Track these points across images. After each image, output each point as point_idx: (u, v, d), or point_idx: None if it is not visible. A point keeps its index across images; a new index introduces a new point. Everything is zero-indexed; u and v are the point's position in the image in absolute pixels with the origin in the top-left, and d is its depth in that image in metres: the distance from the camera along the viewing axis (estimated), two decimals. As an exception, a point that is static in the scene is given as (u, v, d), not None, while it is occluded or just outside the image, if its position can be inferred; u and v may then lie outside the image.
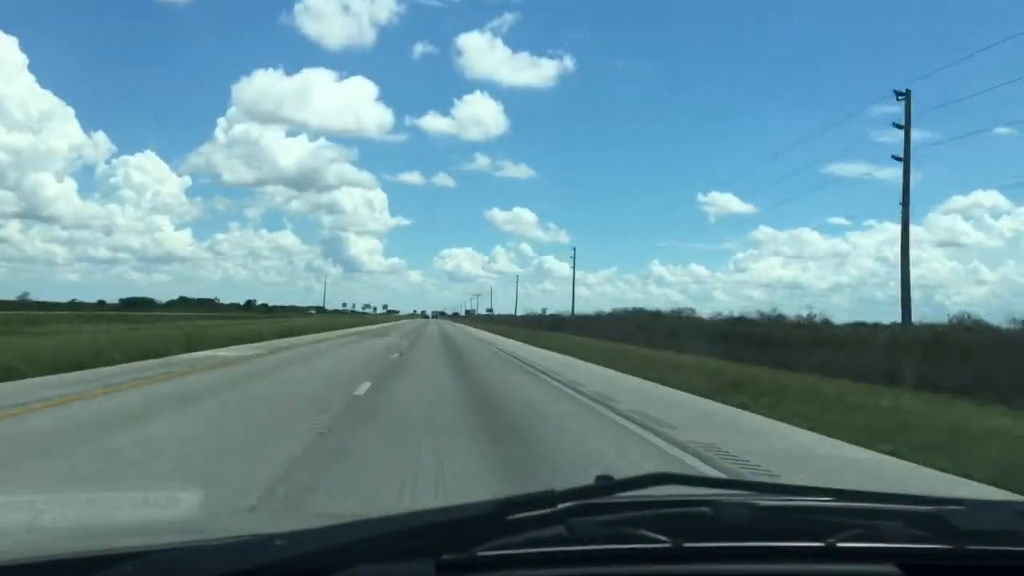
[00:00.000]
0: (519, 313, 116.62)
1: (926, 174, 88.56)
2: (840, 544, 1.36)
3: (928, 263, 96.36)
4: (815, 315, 33.94)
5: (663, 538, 1.32)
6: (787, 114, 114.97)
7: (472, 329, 74.12)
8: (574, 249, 72.55)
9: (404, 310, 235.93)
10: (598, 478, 1.42)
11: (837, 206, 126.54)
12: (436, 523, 1.27)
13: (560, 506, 1.30)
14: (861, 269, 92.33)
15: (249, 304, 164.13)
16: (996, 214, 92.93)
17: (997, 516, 1.48)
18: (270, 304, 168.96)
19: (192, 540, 1.41)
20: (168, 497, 5.41)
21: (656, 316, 54.95)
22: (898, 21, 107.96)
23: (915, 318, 23.49)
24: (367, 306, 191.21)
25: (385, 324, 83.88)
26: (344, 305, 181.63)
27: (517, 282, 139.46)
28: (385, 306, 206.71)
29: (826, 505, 1.47)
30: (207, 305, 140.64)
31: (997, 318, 23.24)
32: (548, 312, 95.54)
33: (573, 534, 1.30)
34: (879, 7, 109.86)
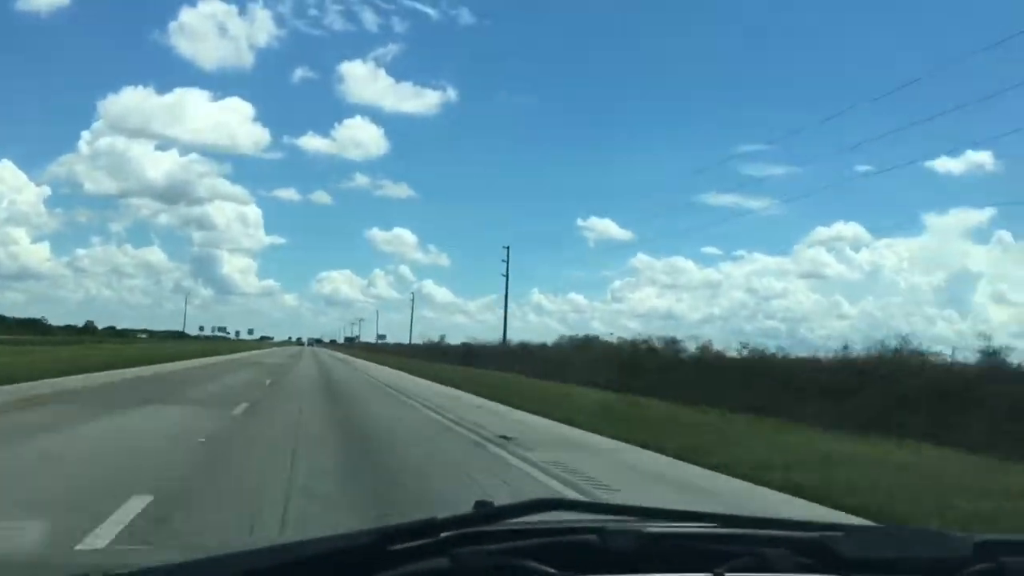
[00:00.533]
0: (414, 341, 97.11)
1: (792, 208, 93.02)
2: (728, 572, 1.35)
3: (793, 295, 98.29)
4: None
5: (551, 570, 1.29)
6: (664, 143, 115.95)
7: (370, 365, 52.34)
8: (507, 248, 53.36)
9: (279, 336, 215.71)
10: (477, 504, 1.39)
11: (710, 236, 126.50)
12: (311, 556, 1.20)
13: (443, 535, 1.26)
14: (732, 300, 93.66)
15: (88, 326, 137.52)
16: (856, 246, 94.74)
17: (878, 543, 1.47)
18: (120, 327, 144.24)
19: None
20: (12, 528, 4.82)
21: (643, 351, 37.18)
22: (772, 58, 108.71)
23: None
24: (222, 329, 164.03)
25: (243, 354, 62.67)
26: (201, 329, 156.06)
27: (413, 305, 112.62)
28: (251, 330, 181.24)
29: (712, 532, 1.46)
30: (29, 327, 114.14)
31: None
32: (446, 340, 78.72)
33: (458, 565, 1.25)
34: (752, 43, 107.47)
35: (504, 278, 50.61)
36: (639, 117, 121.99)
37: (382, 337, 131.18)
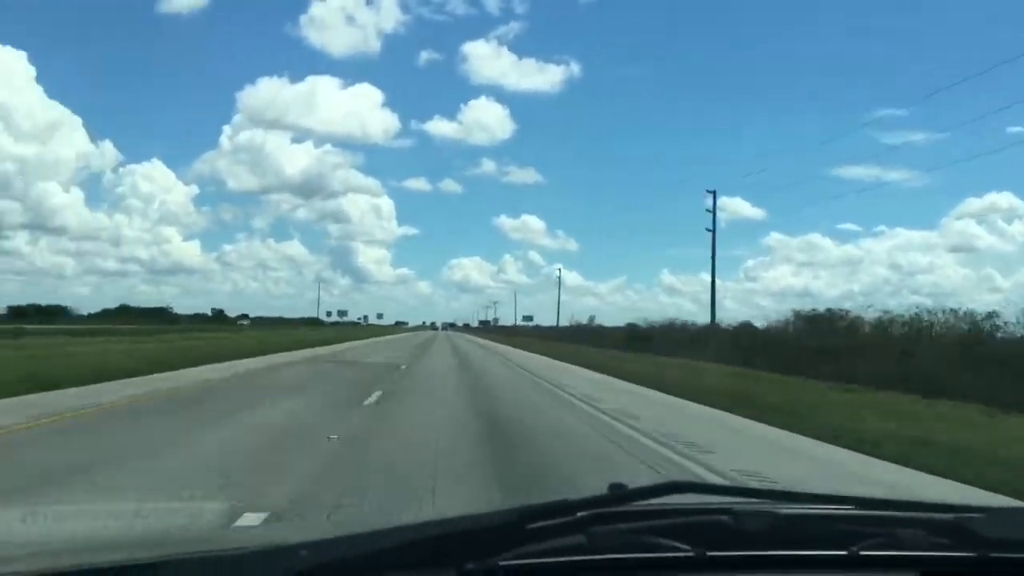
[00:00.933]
0: (560, 323, 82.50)
1: (936, 178, 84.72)
2: (863, 552, 1.33)
3: (941, 269, 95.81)
4: None
5: (685, 546, 1.30)
6: (796, 115, 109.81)
7: (549, 362, 31.21)
8: (713, 193, 37.73)
9: (413, 321, 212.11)
10: (611, 486, 1.37)
11: (847, 211, 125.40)
12: (456, 532, 1.26)
13: (579, 515, 1.28)
14: (873, 276, 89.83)
15: (216, 315, 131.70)
16: (1010, 217, 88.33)
17: (1020, 524, 1.42)
18: (252, 315, 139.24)
19: (214, 550, 1.40)
20: (192, 508, 5.27)
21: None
22: (902, 24, 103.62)
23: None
24: (343, 313, 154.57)
25: (355, 343, 49.31)
26: (328, 314, 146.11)
27: (559, 284, 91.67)
28: (380, 315, 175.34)
29: (846, 513, 1.44)
30: (155, 316, 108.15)
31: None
32: (595, 320, 68.65)
33: (594, 543, 1.27)
34: (885, 11, 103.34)
35: (710, 232, 34.97)
36: (766, 86, 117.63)
37: (528, 318, 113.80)
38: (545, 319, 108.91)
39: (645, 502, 1.34)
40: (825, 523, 1.39)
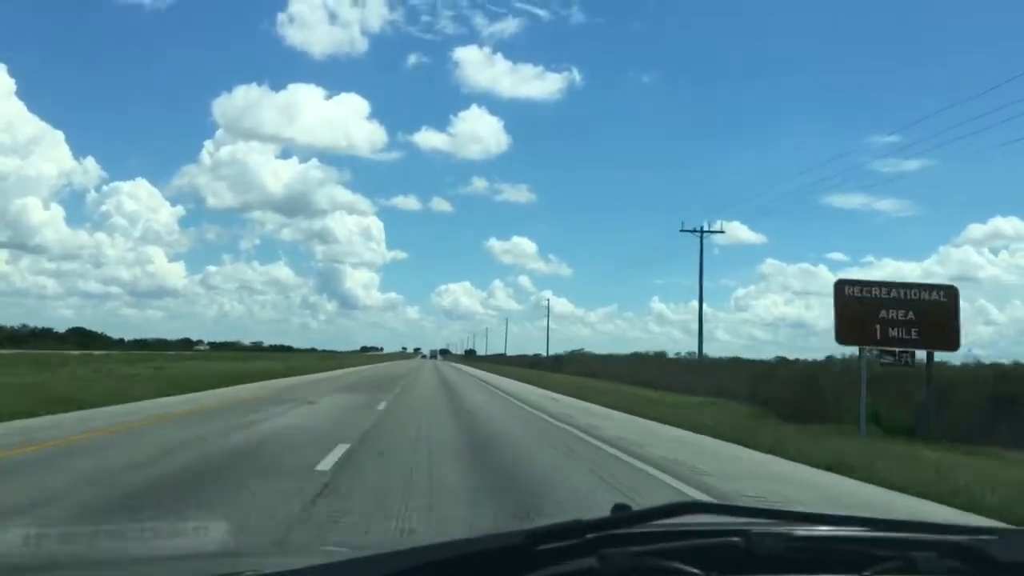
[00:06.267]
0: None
1: (933, 206, 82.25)
2: (876, 575, 1.32)
3: None
4: None
5: (696, 570, 1.28)
6: (790, 141, 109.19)
7: None
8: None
9: (389, 347, 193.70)
10: (616, 507, 1.39)
11: (836, 241, 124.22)
12: (464, 555, 1.25)
13: (589, 536, 1.28)
14: None
15: (185, 344, 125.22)
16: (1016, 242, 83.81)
17: None
18: (214, 341, 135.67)
19: (214, 573, 1.41)
20: (190, 529, 5.25)
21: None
22: (897, 49, 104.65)
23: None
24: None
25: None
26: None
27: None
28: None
29: (859, 535, 1.43)
30: (92, 341, 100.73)
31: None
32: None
33: (605, 565, 1.25)
34: (879, 35, 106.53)
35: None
36: (766, 108, 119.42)
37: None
38: (532, 348, 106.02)
39: (654, 523, 1.33)
40: (838, 545, 1.37)
